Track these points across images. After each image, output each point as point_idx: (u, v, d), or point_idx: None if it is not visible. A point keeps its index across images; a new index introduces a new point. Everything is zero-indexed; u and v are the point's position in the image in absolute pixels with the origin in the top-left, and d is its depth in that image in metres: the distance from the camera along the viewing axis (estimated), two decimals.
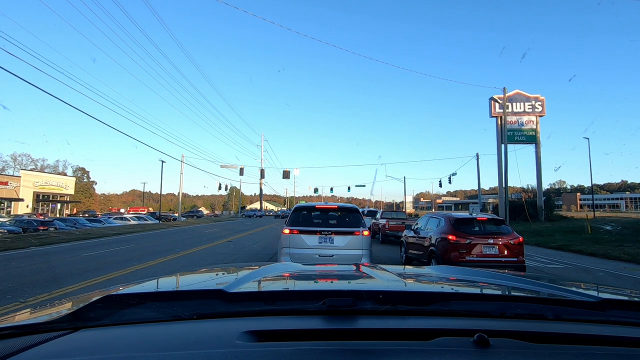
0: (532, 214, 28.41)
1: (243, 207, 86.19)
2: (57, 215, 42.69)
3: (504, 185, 22.43)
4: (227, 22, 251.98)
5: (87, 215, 44.84)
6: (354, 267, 1.81)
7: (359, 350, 0.77)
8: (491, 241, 7.27)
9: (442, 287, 1.42)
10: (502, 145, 34.26)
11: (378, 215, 19.04)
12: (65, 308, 1.12)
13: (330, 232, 6.46)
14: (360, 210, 7.63)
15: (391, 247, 14.54)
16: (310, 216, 7.01)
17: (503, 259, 7.17)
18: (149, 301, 1.05)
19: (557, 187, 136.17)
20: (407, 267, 2.63)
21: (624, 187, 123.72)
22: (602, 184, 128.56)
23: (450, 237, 7.35)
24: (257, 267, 1.71)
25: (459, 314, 0.99)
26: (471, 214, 8.41)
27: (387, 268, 1.68)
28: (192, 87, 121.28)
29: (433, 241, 7.88)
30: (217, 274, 1.75)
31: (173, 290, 1.35)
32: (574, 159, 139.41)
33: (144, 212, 49.11)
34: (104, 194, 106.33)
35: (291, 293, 1.24)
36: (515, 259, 7.24)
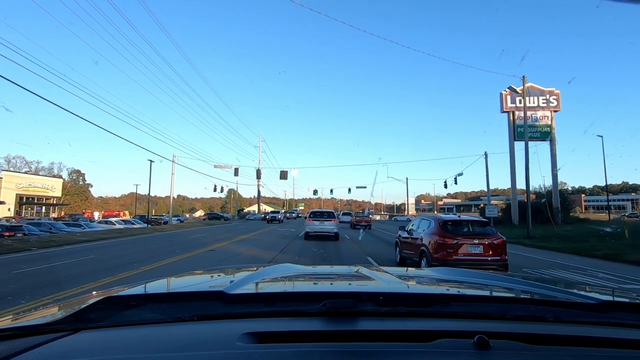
0: (548, 215, 26.13)
1: (241, 210, 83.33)
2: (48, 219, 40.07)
3: (525, 184, 20.10)
4: (227, 23, 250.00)
5: (67, 218, 42.12)
6: (354, 269, 1.74)
7: (359, 351, 0.77)
8: (476, 241, 7.68)
9: (442, 289, 1.39)
10: (515, 142, 32.19)
11: (352, 215, 39.08)
12: (66, 309, 1.09)
13: (323, 219, 18.29)
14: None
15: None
16: (316, 214, 19.05)
17: (489, 258, 7.57)
18: (149, 302, 1.04)
19: (558, 188, 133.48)
20: (406, 268, 2.44)
21: (625, 188, 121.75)
22: (602, 185, 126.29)
23: (438, 237, 7.78)
24: (257, 268, 1.70)
25: (459, 316, 0.98)
26: (460, 217, 8.68)
27: (387, 270, 1.69)
28: (190, 88, 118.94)
29: (424, 241, 8.25)
30: (217, 275, 1.78)
31: (173, 292, 1.33)
32: (574, 160, 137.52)
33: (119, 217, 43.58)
34: (101, 197, 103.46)
35: (291, 294, 1.24)
36: (499, 257, 7.64)
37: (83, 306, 0.99)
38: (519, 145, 32.61)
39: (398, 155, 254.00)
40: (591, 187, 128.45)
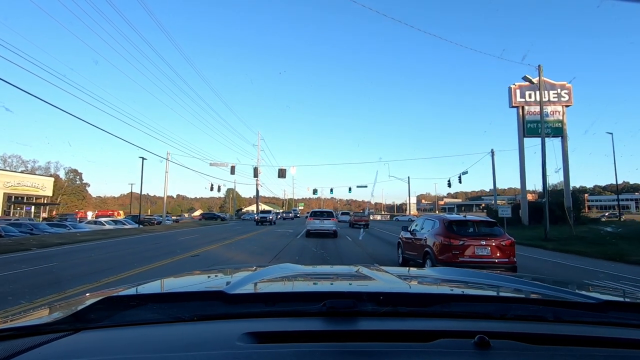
0: (560, 215, 24.61)
1: (239, 209, 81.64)
2: (39, 219, 38.42)
3: (542, 182, 18.60)
4: (227, 23, 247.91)
5: (57, 218, 40.49)
6: (355, 269, 1.72)
7: (359, 351, 0.77)
8: (484, 242, 7.40)
9: (443, 289, 1.39)
10: (525, 139, 30.76)
11: (350, 214, 38.10)
12: (66, 309, 1.08)
13: (323, 218, 20.28)
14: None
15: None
16: (316, 213, 21.29)
17: (496, 260, 7.29)
18: (149, 302, 1.04)
19: (559, 188, 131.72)
20: (407, 268, 2.48)
21: (626, 188, 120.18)
22: (604, 185, 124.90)
23: (444, 238, 7.50)
24: (256, 269, 1.68)
25: (459, 316, 0.98)
26: (466, 217, 8.32)
27: (387, 269, 1.67)
28: (190, 87, 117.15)
29: (428, 242, 8.00)
30: (217, 276, 1.77)
31: (174, 292, 1.33)
32: (574, 160, 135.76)
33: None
34: (99, 197, 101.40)
35: (291, 294, 1.24)
36: (507, 260, 7.36)
37: (83, 306, 0.99)
38: (529, 142, 31.18)
39: (398, 154, 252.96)
40: (592, 186, 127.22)
